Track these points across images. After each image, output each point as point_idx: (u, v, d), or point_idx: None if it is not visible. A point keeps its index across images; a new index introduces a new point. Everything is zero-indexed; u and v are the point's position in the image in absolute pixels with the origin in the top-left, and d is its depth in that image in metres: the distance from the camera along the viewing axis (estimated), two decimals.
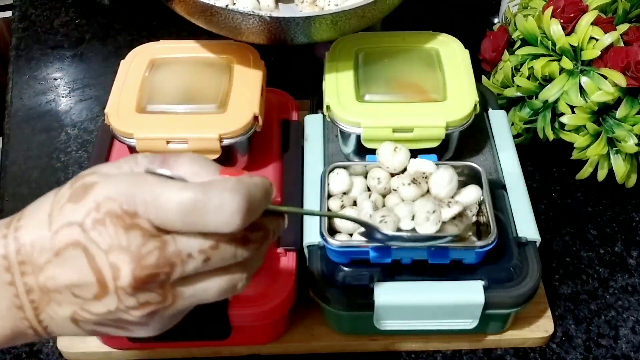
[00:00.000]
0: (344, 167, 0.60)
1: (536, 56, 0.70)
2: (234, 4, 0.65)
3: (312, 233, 0.58)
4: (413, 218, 0.52)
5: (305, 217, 0.60)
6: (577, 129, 0.69)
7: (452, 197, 0.57)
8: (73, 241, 0.32)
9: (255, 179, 0.34)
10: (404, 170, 0.60)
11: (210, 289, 0.35)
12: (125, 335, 0.36)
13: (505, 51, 0.75)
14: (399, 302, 0.55)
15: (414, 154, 0.61)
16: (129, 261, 0.32)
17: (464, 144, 0.65)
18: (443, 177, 0.56)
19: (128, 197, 0.32)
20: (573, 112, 0.68)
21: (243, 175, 0.34)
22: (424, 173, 0.58)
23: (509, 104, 0.75)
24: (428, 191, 0.57)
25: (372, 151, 0.62)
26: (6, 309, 0.33)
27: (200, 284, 0.34)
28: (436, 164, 0.59)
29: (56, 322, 0.34)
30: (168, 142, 0.59)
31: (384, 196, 0.59)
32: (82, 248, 0.32)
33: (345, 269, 0.57)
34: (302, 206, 0.61)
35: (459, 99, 0.63)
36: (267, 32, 0.60)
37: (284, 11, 0.69)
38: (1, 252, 0.33)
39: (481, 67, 0.80)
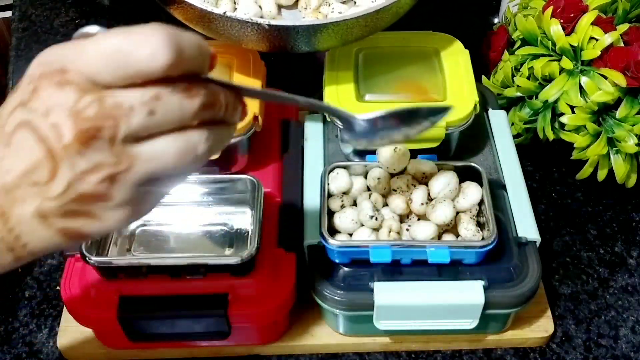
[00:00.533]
0: (344, 167, 0.61)
1: (536, 56, 0.70)
2: (235, 9, 0.65)
3: (312, 233, 0.58)
4: None
5: (306, 218, 0.60)
6: (577, 129, 0.69)
7: (453, 199, 0.57)
8: (19, 122, 0.31)
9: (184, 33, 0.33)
10: (404, 170, 0.60)
11: (167, 149, 0.33)
12: (99, 227, 0.34)
13: (505, 51, 0.75)
14: (399, 302, 0.55)
15: (414, 154, 0.62)
16: (67, 116, 0.31)
17: (464, 144, 0.65)
18: (442, 180, 0.56)
19: (56, 56, 0.32)
20: (573, 112, 0.68)
21: None
22: (424, 173, 0.59)
23: (509, 104, 0.75)
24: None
25: (372, 151, 0.62)
26: None
27: (154, 143, 0.33)
28: (436, 164, 0.59)
29: (26, 227, 0.32)
30: None
31: (384, 196, 0.59)
32: (27, 125, 0.31)
33: (345, 269, 0.57)
34: (302, 206, 0.61)
35: (459, 99, 0.63)
36: (267, 40, 0.59)
37: (287, 18, 0.68)
38: None
39: (481, 67, 0.80)
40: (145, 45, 0.31)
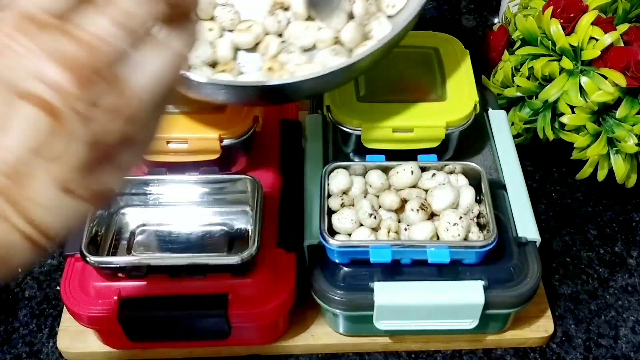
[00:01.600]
0: (344, 167, 0.61)
1: (536, 56, 0.70)
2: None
3: (312, 233, 0.58)
4: None
5: (306, 218, 0.60)
6: (577, 129, 0.69)
7: (455, 207, 0.57)
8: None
9: None
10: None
11: (157, 62, 0.29)
12: (124, 174, 0.30)
13: (505, 51, 0.75)
14: (399, 302, 0.55)
15: (414, 154, 0.62)
16: (54, 65, 0.26)
17: (464, 144, 0.65)
18: (444, 195, 0.57)
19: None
20: (573, 112, 0.68)
21: None
22: (425, 191, 0.59)
23: (509, 104, 0.75)
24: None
25: (372, 151, 0.62)
26: None
27: (142, 60, 0.29)
28: (436, 164, 0.60)
29: (46, 206, 0.27)
30: (168, 142, 0.59)
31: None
32: (5, 90, 0.26)
33: (345, 269, 0.57)
34: (302, 206, 0.61)
35: (459, 99, 0.63)
36: (225, 97, 0.55)
37: (245, 61, 0.62)
38: None
39: (481, 67, 0.80)
40: None
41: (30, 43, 0.26)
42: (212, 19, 0.63)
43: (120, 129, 0.28)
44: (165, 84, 0.30)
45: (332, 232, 0.57)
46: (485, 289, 0.55)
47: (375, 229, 0.57)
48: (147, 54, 0.29)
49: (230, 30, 0.63)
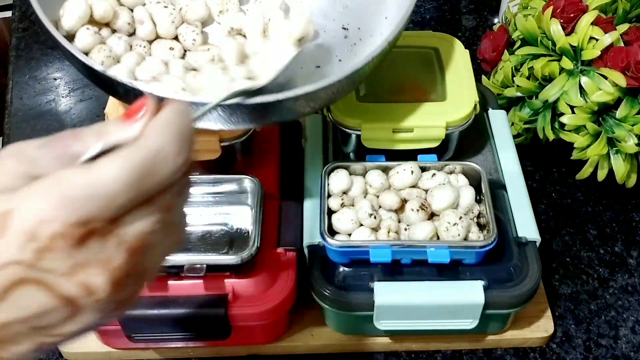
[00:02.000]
0: (344, 167, 0.61)
1: (536, 56, 0.70)
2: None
3: (312, 233, 0.58)
4: None
5: (306, 218, 0.60)
6: (577, 129, 0.69)
7: (455, 207, 0.57)
8: (16, 280, 0.27)
9: (175, 109, 0.30)
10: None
11: (170, 247, 0.32)
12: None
13: (505, 51, 0.75)
14: (399, 302, 0.55)
15: (414, 154, 0.62)
16: (98, 273, 0.28)
17: (464, 144, 0.65)
18: (444, 195, 0.57)
19: (64, 208, 0.27)
20: (573, 112, 0.68)
21: (164, 112, 0.30)
22: (425, 191, 0.59)
23: (509, 104, 0.75)
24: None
25: (372, 151, 0.62)
26: None
27: (161, 250, 0.32)
28: (436, 164, 0.59)
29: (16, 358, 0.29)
30: None
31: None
32: (33, 282, 0.28)
33: (345, 269, 0.57)
34: (302, 206, 0.61)
35: (459, 99, 0.63)
36: None
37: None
38: None
39: (481, 67, 0.80)
40: (166, 160, 0.29)
41: (84, 248, 0.28)
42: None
43: (125, 306, 0.31)
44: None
45: (332, 232, 0.57)
46: (485, 289, 0.55)
47: (375, 229, 0.57)
48: (166, 242, 0.32)
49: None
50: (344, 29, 0.63)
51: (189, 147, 0.30)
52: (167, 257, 0.33)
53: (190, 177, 0.33)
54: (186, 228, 0.34)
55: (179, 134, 0.30)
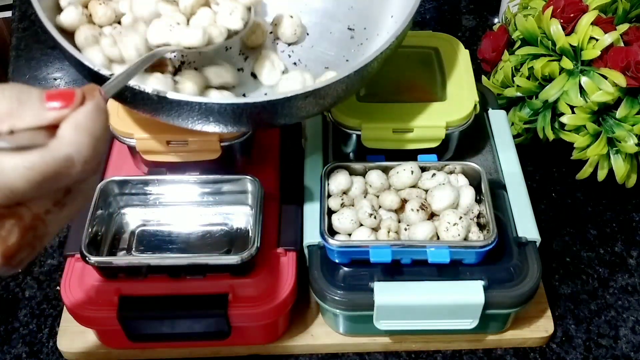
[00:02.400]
0: (344, 167, 0.61)
1: (536, 56, 0.70)
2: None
3: (312, 233, 0.58)
4: None
5: (306, 218, 0.60)
6: (577, 129, 0.69)
7: (455, 207, 0.57)
8: None
9: (94, 107, 0.33)
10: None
11: (68, 217, 0.35)
12: None
13: (505, 51, 0.75)
14: (399, 302, 0.55)
15: (414, 154, 0.62)
16: None
17: (464, 144, 0.65)
18: (444, 195, 0.57)
19: None
20: (573, 112, 0.68)
21: (72, 106, 0.32)
22: (425, 191, 0.59)
23: (509, 104, 0.75)
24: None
25: (372, 151, 0.62)
26: None
27: (58, 219, 0.34)
28: (436, 164, 0.59)
29: None
30: (168, 143, 0.59)
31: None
32: None
33: (345, 269, 0.57)
34: (302, 206, 0.61)
35: (459, 99, 0.63)
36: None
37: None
38: None
39: (481, 67, 0.80)
40: (69, 170, 0.31)
41: None
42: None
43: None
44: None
45: (332, 232, 0.57)
46: (485, 289, 0.55)
47: (375, 229, 0.57)
48: (64, 212, 0.35)
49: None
50: (350, 29, 0.63)
51: (99, 152, 0.32)
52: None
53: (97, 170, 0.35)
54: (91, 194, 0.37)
55: (92, 140, 0.32)
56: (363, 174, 0.61)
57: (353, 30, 0.63)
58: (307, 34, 0.63)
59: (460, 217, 0.55)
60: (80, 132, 0.32)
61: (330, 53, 0.62)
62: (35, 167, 0.30)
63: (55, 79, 0.90)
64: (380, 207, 0.59)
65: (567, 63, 0.67)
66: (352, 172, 0.61)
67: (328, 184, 0.59)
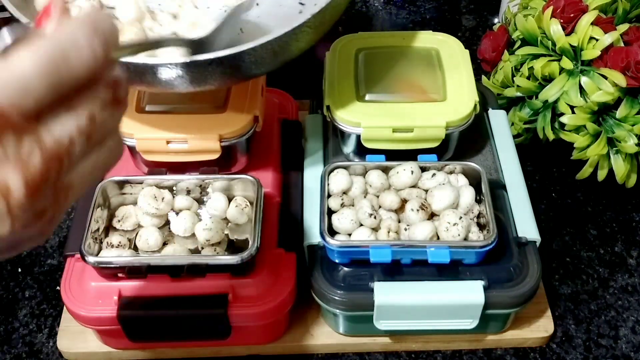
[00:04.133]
0: (344, 167, 0.61)
1: (536, 56, 0.70)
2: None
3: (312, 233, 0.58)
4: None
5: (306, 218, 0.60)
6: (577, 129, 0.69)
7: (455, 207, 0.57)
8: None
9: (95, 12, 0.30)
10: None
11: (96, 168, 0.31)
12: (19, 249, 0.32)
13: (505, 51, 0.75)
14: (399, 302, 0.55)
15: (414, 154, 0.62)
16: (14, 171, 0.27)
17: (464, 144, 0.65)
18: (444, 195, 0.57)
19: None
20: (573, 112, 0.68)
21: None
22: (425, 191, 0.59)
23: (509, 104, 0.75)
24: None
25: (372, 151, 0.62)
26: None
27: (85, 165, 0.31)
28: (436, 164, 0.59)
29: None
30: (168, 142, 0.59)
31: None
32: None
33: (345, 269, 0.57)
34: (302, 206, 0.61)
35: (459, 99, 0.63)
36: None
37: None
38: None
39: (481, 67, 0.80)
40: (77, 52, 0.28)
41: None
42: None
43: (43, 230, 0.31)
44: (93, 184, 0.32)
45: (332, 232, 0.57)
46: (485, 289, 0.55)
47: (375, 229, 0.57)
48: (92, 159, 0.31)
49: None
50: (301, 4, 0.61)
51: (107, 41, 0.29)
52: (95, 180, 0.31)
53: (119, 91, 0.31)
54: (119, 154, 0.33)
55: (95, 28, 0.28)
56: (363, 174, 0.61)
57: (304, 5, 0.61)
58: (257, 4, 0.61)
59: (460, 217, 0.55)
60: (80, 22, 0.29)
61: (272, 24, 0.60)
62: (41, 51, 0.27)
63: None
64: (380, 207, 0.59)
65: (567, 63, 0.67)
66: (352, 172, 0.61)
67: (328, 184, 0.59)
